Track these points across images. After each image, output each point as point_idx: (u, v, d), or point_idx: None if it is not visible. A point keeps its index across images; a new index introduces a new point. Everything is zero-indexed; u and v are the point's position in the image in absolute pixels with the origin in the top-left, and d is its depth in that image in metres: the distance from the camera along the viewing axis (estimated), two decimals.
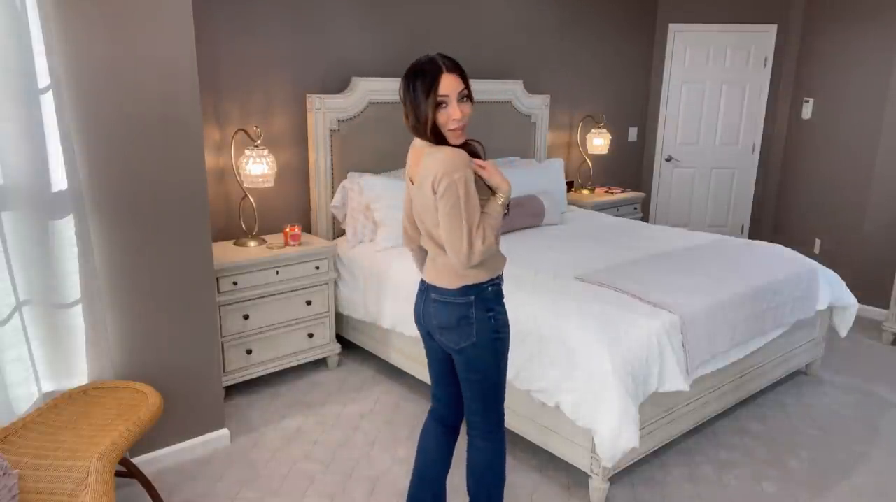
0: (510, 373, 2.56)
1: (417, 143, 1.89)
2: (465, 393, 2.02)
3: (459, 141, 1.82)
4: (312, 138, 3.61)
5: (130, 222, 2.39)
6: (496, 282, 1.93)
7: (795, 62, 5.16)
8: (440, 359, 2.07)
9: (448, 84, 1.75)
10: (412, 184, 1.91)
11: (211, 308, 2.67)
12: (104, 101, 2.26)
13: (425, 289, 1.99)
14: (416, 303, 2.04)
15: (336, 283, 3.54)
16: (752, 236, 5.62)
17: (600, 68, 5.22)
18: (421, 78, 1.76)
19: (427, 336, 2.05)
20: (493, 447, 2.03)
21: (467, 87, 1.79)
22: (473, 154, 1.85)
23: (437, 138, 1.80)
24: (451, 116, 1.76)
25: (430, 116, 1.76)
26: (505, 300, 1.98)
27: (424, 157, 1.83)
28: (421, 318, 2.02)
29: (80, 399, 2.20)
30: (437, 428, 2.14)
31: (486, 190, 1.87)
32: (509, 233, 3.77)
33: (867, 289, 4.46)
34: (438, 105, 1.75)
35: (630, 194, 5.13)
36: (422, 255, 2.08)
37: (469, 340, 1.89)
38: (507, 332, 1.97)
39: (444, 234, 1.80)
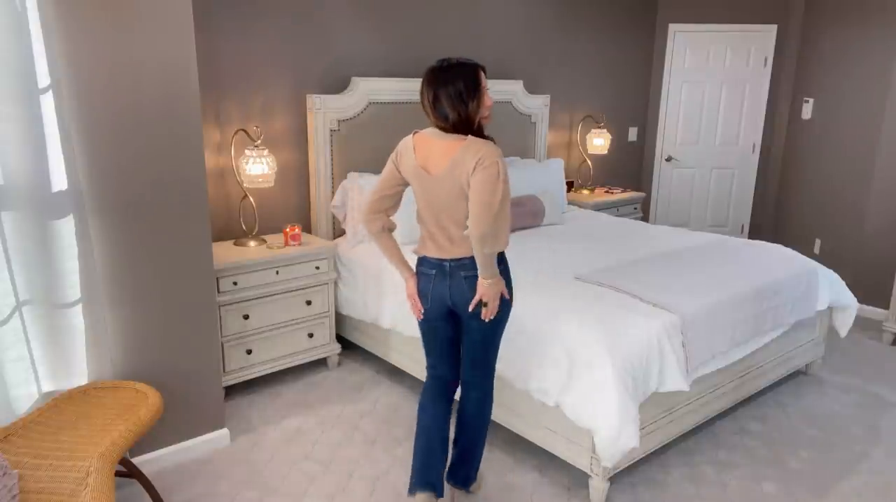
0: (510, 373, 2.56)
1: (436, 136, 2.06)
2: (477, 356, 2.24)
3: (487, 124, 2.11)
4: (312, 138, 3.61)
5: (130, 222, 2.39)
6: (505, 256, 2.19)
7: (795, 62, 5.16)
8: (450, 337, 2.28)
9: (484, 76, 2.06)
10: (427, 173, 2.07)
11: (211, 308, 2.67)
12: (104, 101, 2.26)
13: (448, 271, 2.13)
14: (435, 287, 2.17)
15: (336, 283, 3.54)
16: (752, 236, 5.62)
17: (600, 68, 5.22)
18: (463, 76, 2.00)
19: (444, 315, 2.22)
20: (486, 398, 2.32)
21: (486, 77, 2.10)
22: None
23: (478, 131, 2.05)
24: (487, 104, 2.07)
25: (478, 108, 2.03)
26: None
27: (463, 149, 2.00)
28: (447, 299, 2.16)
29: (80, 399, 2.20)
30: (442, 389, 2.33)
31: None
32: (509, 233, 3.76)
33: (867, 289, 4.46)
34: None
35: (630, 194, 5.13)
36: (388, 243, 2.21)
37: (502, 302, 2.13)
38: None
39: (475, 197, 1.96)
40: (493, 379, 2.34)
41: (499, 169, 1.96)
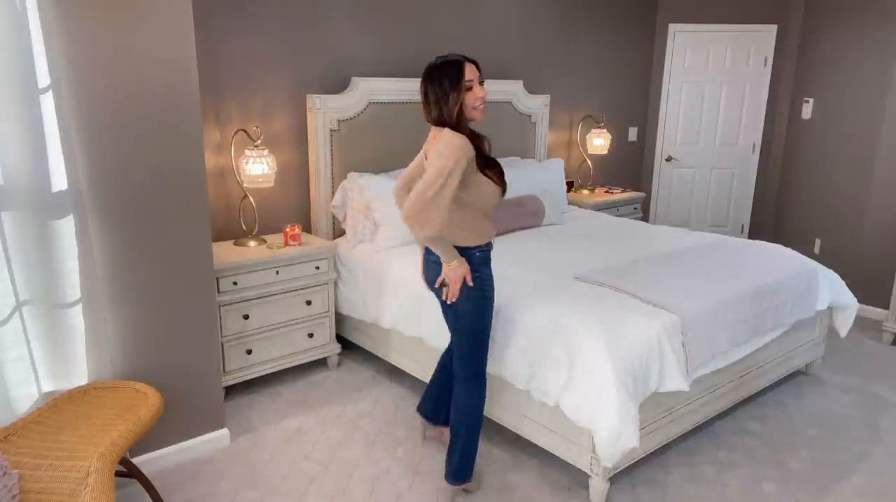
0: (511, 373, 2.56)
1: (435, 129, 2.24)
2: (457, 348, 2.37)
3: (482, 117, 2.19)
4: (312, 138, 3.61)
5: (130, 222, 2.39)
6: (484, 249, 2.28)
7: (795, 62, 5.16)
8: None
9: (470, 71, 2.16)
10: (426, 159, 2.27)
11: (211, 308, 2.67)
12: (104, 100, 2.26)
13: (426, 252, 2.34)
14: (422, 261, 2.40)
15: (336, 283, 3.54)
16: (752, 236, 5.62)
17: (600, 68, 5.22)
18: (447, 72, 2.13)
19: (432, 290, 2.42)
20: (472, 389, 2.38)
21: (480, 72, 2.19)
22: (480, 147, 2.18)
23: (460, 123, 2.15)
24: (477, 95, 2.16)
25: (457, 102, 2.13)
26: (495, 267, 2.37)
27: (442, 135, 2.15)
28: (423, 275, 2.40)
29: (80, 399, 2.20)
30: None
31: (487, 180, 2.19)
32: (510, 233, 3.77)
33: (867, 289, 4.45)
34: (467, 90, 2.13)
35: (630, 194, 5.13)
36: None
37: (459, 295, 2.24)
38: (491, 292, 2.32)
39: (420, 180, 2.11)
40: (478, 374, 2.38)
41: (449, 163, 2.05)
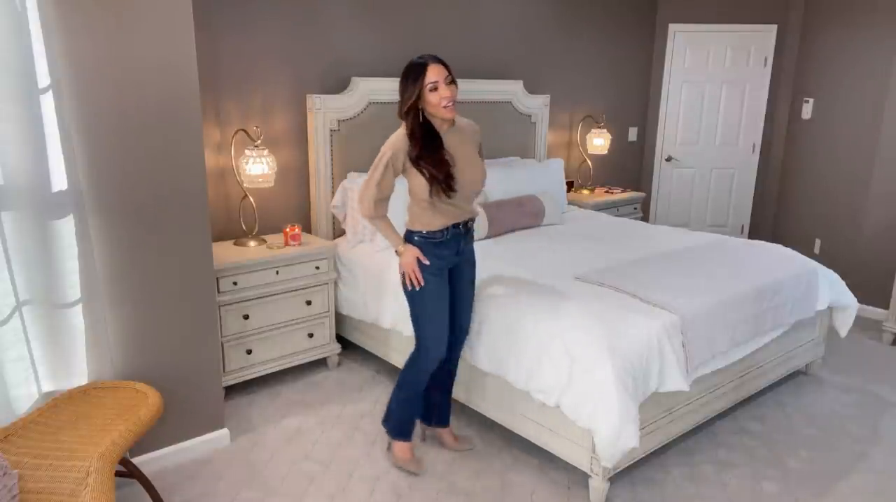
0: (510, 372, 2.57)
1: None
2: None
3: (450, 115, 2.30)
4: (312, 138, 3.61)
5: (130, 222, 2.39)
6: (425, 236, 2.39)
7: (795, 62, 5.16)
8: None
9: (435, 72, 2.22)
10: None
11: (211, 308, 2.67)
12: (104, 101, 2.26)
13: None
14: None
15: (336, 283, 3.54)
16: (752, 236, 5.62)
17: (600, 68, 5.22)
18: (410, 72, 2.24)
19: None
20: (413, 357, 2.55)
21: (450, 72, 2.26)
22: (427, 144, 2.27)
23: (407, 119, 2.28)
24: (442, 95, 2.24)
25: (409, 100, 2.24)
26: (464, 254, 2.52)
27: None
28: None
29: (80, 399, 2.20)
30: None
31: (417, 174, 2.29)
32: (510, 233, 3.77)
33: (867, 289, 4.46)
34: (432, 90, 2.22)
35: (630, 194, 5.13)
36: None
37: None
38: (429, 276, 2.40)
39: None
40: (420, 346, 2.52)
41: (379, 154, 2.30)
